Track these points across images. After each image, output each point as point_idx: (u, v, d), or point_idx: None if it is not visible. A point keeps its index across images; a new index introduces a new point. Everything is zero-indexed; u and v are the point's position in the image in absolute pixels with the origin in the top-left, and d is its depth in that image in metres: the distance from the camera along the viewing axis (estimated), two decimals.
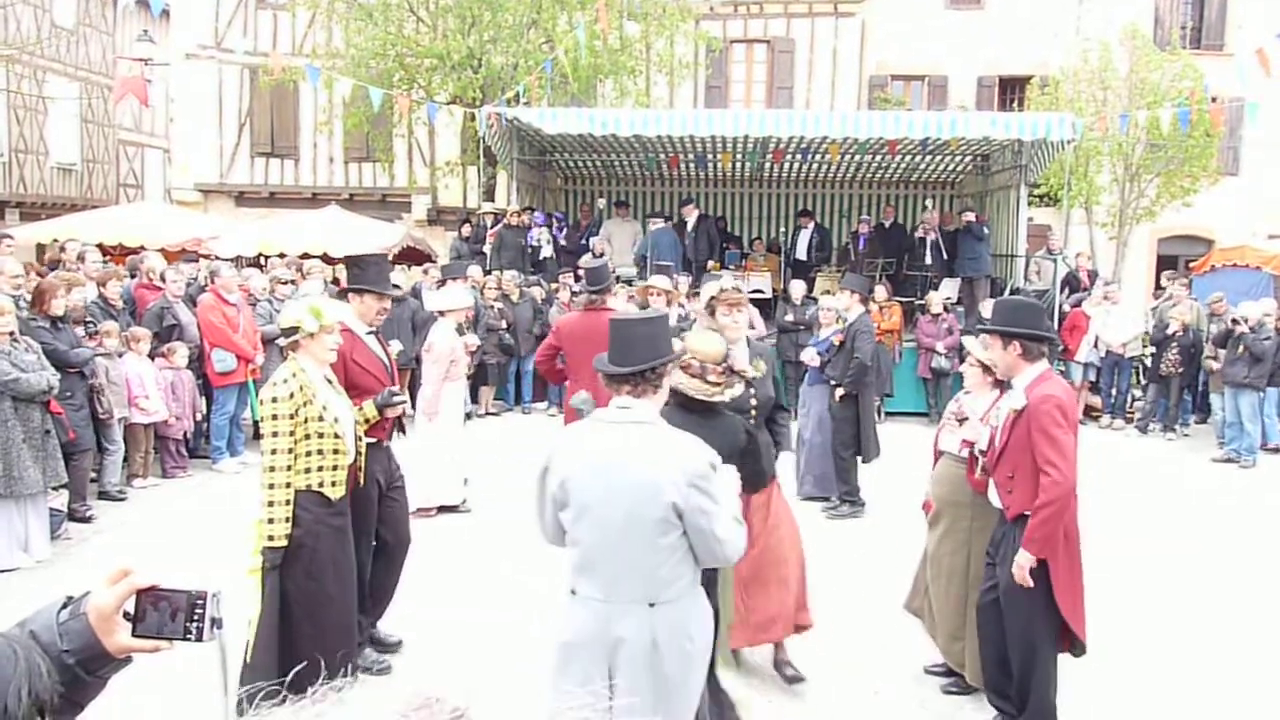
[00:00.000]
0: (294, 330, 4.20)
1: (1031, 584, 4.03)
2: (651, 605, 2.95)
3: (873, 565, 6.45)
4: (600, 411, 3.16)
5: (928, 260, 14.44)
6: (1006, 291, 13.28)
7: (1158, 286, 13.59)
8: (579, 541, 3.04)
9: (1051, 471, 3.94)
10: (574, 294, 12.40)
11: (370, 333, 4.97)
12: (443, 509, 7.89)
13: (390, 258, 14.61)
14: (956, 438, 4.82)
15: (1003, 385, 4.59)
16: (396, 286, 8.69)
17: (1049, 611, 4.13)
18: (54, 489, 6.89)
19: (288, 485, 4.09)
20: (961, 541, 4.73)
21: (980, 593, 4.46)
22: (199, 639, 1.47)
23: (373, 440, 4.69)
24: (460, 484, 8.04)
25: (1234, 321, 11.10)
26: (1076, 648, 4.27)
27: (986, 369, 4.75)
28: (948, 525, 4.81)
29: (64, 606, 1.42)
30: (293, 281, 10.61)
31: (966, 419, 4.76)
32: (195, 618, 1.47)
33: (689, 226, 14.99)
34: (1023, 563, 4.04)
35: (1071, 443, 4.03)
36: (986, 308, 11.33)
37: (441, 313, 8.11)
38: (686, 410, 3.73)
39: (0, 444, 6.30)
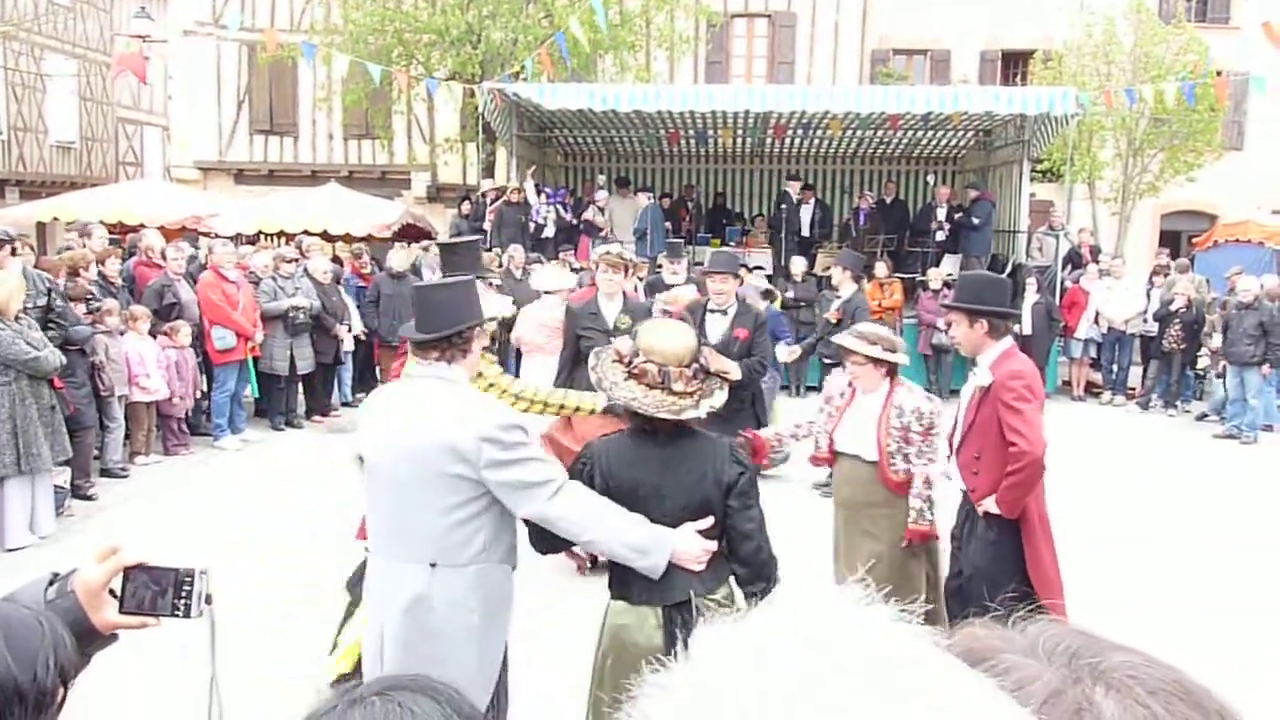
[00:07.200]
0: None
1: (996, 510, 4.07)
2: (433, 566, 2.87)
3: None
4: (410, 368, 3.20)
5: (941, 236, 14.37)
6: (1008, 269, 13.25)
7: (1153, 273, 13.48)
8: (373, 498, 3.04)
9: (1019, 441, 3.97)
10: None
11: None
12: None
13: (389, 235, 14.59)
14: (852, 435, 4.47)
15: (894, 377, 4.41)
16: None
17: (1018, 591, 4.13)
18: (57, 465, 6.91)
19: None
20: (887, 542, 4.35)
21: (947, 579, 4.42)
22: (187, 615, 1.48)
23: None
24: None
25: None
26: None
27: (877, 362, 4.35)
28: (864, 528, 4.44)
29: (51, 584, 1.42)
30: (296, 260, 10.57)
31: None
32: (183, 594, 1.48)
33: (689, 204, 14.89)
34: (989, 506, 4.08)
35: (1038, 417, 4.06)
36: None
37: (546, 292, 8.03)
38: (647, 436, 2.95)
39: (20, 421, 6.32)
